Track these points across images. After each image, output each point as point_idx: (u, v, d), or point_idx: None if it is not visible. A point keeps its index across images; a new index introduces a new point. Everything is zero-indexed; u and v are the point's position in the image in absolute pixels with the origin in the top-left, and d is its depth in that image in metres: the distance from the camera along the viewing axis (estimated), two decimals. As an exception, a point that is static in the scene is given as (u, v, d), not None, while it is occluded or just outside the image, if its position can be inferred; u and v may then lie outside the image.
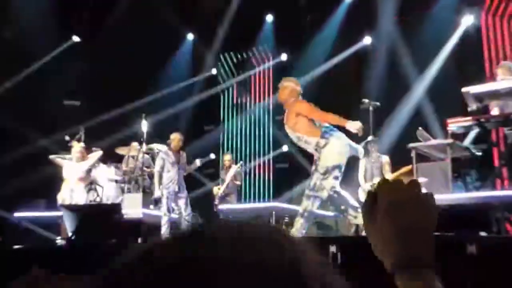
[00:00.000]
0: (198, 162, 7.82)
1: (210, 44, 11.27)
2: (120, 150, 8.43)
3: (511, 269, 2.31)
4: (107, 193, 7.62)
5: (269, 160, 10.70)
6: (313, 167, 4.73)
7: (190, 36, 11.66)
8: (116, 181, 8.03)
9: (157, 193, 7.15)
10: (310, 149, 4.76)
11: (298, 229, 4.44)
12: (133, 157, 8.26)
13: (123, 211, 6.27)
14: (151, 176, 8.17)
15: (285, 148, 10.53)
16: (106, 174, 7.88)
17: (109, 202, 7.40)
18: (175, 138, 7.38)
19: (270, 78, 11.16)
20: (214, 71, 11.64)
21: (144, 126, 7.73)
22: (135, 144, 8.32)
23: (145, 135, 7.68)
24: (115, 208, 5.38)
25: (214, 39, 11.17)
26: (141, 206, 6.89)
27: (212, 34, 11.12)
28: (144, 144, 7.70)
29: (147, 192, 7.80)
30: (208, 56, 11.44)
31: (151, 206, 7.42)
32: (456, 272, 2.29)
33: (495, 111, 5.85)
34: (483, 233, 3.16)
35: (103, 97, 9.87)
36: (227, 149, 10.70)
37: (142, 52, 9.92)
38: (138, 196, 7.24)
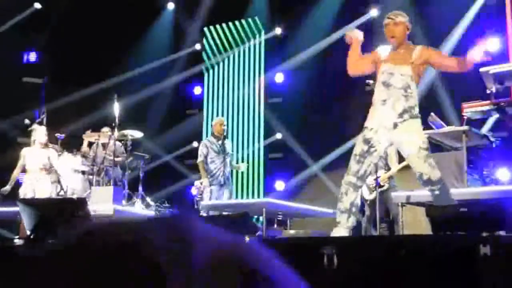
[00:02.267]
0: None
1: (193, 16, 11.18)
2: (89, 137, 8.37)
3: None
4: (73, 186, 7.58)
5: (260, 150, 10.67)
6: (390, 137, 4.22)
7: (170, 6, 11.56)
8: (83, 172, 7.98)
9: (197, 183, 7.46)
10: (398, 107, 4.18)
11: None
12: (103, 144, 8.21)
13: (91, 207, 6.24)
14: (123, 167, 8.13)
15: (278, 135, 10.51)
16: (71, 164, 7.82)
17: (74, 196, 7.35)
18: (217, 123, 7.57)
19: (262, 55, 11.10)
20: (198, 47, 11.56)
21: (116, 108, 7.66)
22: (105, 129, 8.27)
23: (117, 119, 7.62)
24: (80, 203, 5.34)
25: (198, 9, 11.08)
26: (112, 201, 6.85)
27: (196, 4, 11.03)
28: (116, 130, 7.65)
29: (119, 185, 7.76)
30: (191, 29, 11.35)
31: (124, 202, 7.39)
32: (468, 276, 2.30)
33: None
34: (501, 232, 3.17)
35: (70, 74, 9.78)
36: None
37: (115, 23, 9.83)
38: (109, 189, 7.20)
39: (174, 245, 0.50)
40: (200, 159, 7.47)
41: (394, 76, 4.25)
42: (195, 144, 11.09)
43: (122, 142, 8.21)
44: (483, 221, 3.19)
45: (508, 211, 3.44)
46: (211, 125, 7.69)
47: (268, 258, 0.52)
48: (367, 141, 4.25)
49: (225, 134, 7.56)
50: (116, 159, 7.89)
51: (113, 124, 7.64)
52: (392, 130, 4.20)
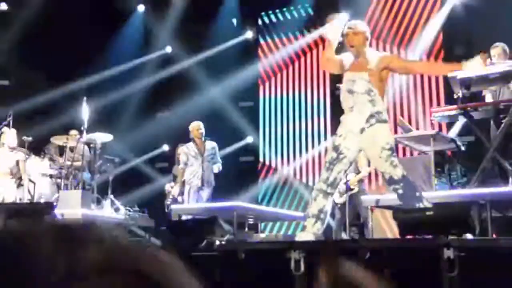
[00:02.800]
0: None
1: (164, 18, 11.12)
2: (56, 140, 8.25)
3: (491, 276, 2.36)
4: (40, 190, 7.46)
5: (231, 153, 10.65)
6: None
7: (141, 8, 11.48)
8: (51, 176, 7.86)
9: (174, 190, 7.62)
10: (364, 112, 4.22)
11: None
12: (71, 148, 8.10)
13: (59, 211, 6.15)
14: (92, 170, 8.04)
15: (249, 139, 10.52)
16: (39, 167, 7.70)
17: (41, 200, 7.24)
18: (193, 128, 7.67)
19: (234, 58, 11.09)
20: (169, 49, 11.50)
21: (85, 111, 7.58)
22: (74, 132, 8.16)
23: (86, 122, 7.53)
24: (47, 207, 5.25)
25: (169, 11, 11.02)
26: (81, 205, 6.77)
27: (167, 6, 10.97)
28: (85, 133, 7.56)
29: (87, 189, 7.67)
30: (162, 32, 11.28)
31: (93, 206, 7.30)
32: (432, 279, 2.33)
33: (488, 99, 5.96)
34: (467, 235, 3.22)
35: (37, 75, 9.62)
36: (182, 140, 10.57)
37: (84, 24, 9.71)
38: (77, 193, 7.11)
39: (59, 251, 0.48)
40: (180, 166, 7.58)
41: (355, 82, 4.33)
42: (165, 147, 11.02)
43: (91, 145, 8.11)
44: (449, 224, 3.24)
45: (474, 214, 3.50)
46: (190, 130, 7.73)
47: (170, 267, 0.51)
48: (336, 148, 4.30)
49: (203, 137, 7.62)
50: (84, 162, 7.79)
51: (82, 127, 7.56)
52: (359, 135, 4.25)
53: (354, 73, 4.38)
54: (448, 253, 2.31)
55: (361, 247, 2.57)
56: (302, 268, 2.51)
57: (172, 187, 8.05)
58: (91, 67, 10.43)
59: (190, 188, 7.36)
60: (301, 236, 4.18)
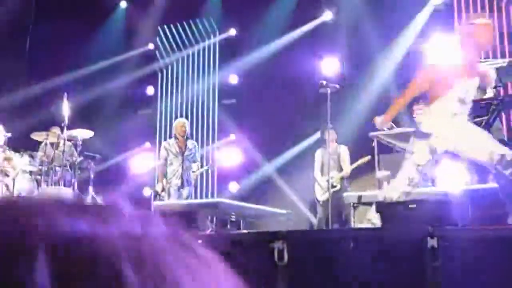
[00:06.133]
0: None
1: (147, 14, 11.08)
2: (37, 136, 8.16)
3: (474, 265, 2.41)
4: (19, 186, 7.38)
5: (214, 151, 10.65)
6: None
7: (123, 4, 11.42)
8: (31, 173, 7.78)
9: (158, 187, 7.46)
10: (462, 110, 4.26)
11: None
12: (52, 144, 8.02)
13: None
14: (73, 167, 7.97)
15: (233, 137, 10.52)
16: (18, 163, 7.62)
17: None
18: (177, 124, 7.60)
19: (216, 56, 11.09)
20: (151, 46, 11.46)
21: (66, 108, 7.51)
22: (54, 129, 8.09)
23: (66, 118, 7.47)
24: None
25: (152, 8, 10.98)
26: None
27: (150, 2, 10.93)
28: (65, 129, 7.49)
29: (68, 186, 7.60)
30: (145, 28, 11.24)
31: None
32: (416, 267, 2.36)
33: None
34: (449, 227, 3.27)
35: (16, 71, 9.52)
36: (164, 137, 10.56)
37: (65, 19, 9.63)
38: (57, 190, 7.05)
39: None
40: (159, 162, 7.50)
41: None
42: (147, 144, 10.97)
43: (72, 142, 8.04)
44: (430, 217, 3.28)
45: (454, 208, 3.55)
46: (174, 127, 7.68)
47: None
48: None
49: (187, 135, 7.56)
50: (65, 159, 7.72)
51: (63, 124, 7.50)
52: None
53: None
54: (432, 242, 2.35)
55: (345, 236, 2.60)
56: (286, 258, 2.53)
57: (157, 182, 8.02)
58: (72, 63, 10.35)
59: (170, 187, 7.33)
60: (388, 191, 4.17)
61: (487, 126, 5.15)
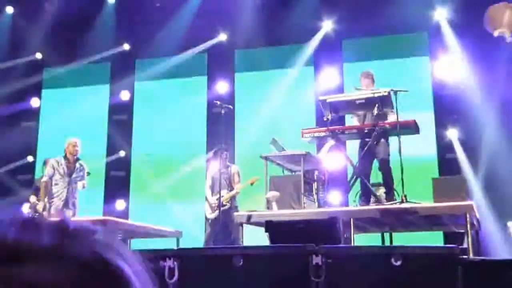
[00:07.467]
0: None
1: (35, 22, 10.63)
2: None
3: (354, 280, 2.58)
4: None
5: (102, 167, 10.37)
6: None
7: (9, 9, 10.89)
8: None
9: (39, 206, 7.02)
10: None
11: None
12: None
13: None
14: None
15: (122, 153, 10.32)
16: None
17: None
18: (69, 143, 7.15)
19: (108, 71, 10.87)
20: (39, 56, 11.00)
21: None
22: None
23: None
24: None
25: (41, 15, 10.57)
26: None
27: (39, 10, 10.51)
28: None
29: None
30: (32, 37, 10.78)
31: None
32: (302, 281, 2.48)
33: (354, 122, 6.42)
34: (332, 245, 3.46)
35: None
36: (47, 153, 10.11)
37: None
38: None
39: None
40: (44, 179, 7.09)
41: None
42: (30, 158, 10.48)
43: None
44: (318, 236, 3.45)
45: (337, 228, 3.76)
46: (66, 145, 7.22)
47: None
48: None
49: (77, 156, 7.17)
50: None
51: None
52: None
53: None
54: (316, 259, 2.48)
55: (235, 253, 2.67)
56: (177, 276, 2.55)
57: (38, 200, 7.64)
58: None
59: (51, 207, 6.98)
60: None
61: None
